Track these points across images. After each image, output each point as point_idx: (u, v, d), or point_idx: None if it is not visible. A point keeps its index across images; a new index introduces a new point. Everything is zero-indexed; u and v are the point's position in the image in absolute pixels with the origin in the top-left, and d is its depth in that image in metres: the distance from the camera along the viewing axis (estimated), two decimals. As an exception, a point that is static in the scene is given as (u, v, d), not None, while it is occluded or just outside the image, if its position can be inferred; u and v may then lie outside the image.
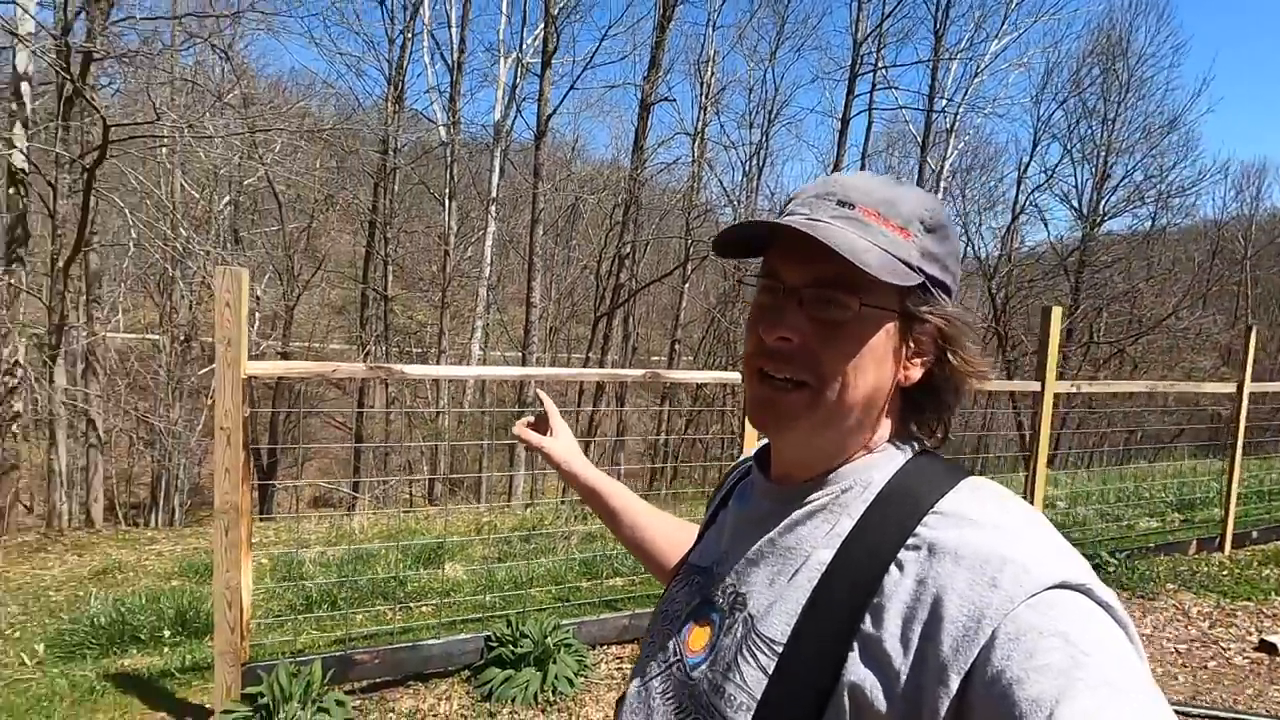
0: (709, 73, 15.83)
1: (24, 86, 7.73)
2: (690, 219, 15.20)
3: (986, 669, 0.45)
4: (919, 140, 16.89)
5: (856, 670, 0.51)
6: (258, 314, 12.42)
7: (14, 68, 7.77)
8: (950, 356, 0.61)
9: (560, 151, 18.71)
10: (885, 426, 0.62)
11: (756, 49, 17.33)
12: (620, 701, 0.71)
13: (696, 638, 0.64)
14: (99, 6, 8.35)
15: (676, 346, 16.68)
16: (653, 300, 21.80)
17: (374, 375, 2.83)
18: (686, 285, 16.47)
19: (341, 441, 16.93)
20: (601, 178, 18.10)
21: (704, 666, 0.61)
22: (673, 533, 0.97)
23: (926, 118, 16.55)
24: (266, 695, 2.45)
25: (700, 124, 15.89)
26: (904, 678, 0.49)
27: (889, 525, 0.55)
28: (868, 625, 0.52)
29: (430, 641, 3.01)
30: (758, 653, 0.57)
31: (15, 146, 7.62)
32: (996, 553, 0.49)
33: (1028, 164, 17.14)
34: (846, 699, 0.51)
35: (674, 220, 17.23)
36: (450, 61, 13.90)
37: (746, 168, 18.72)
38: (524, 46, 14.16)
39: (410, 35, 13.93)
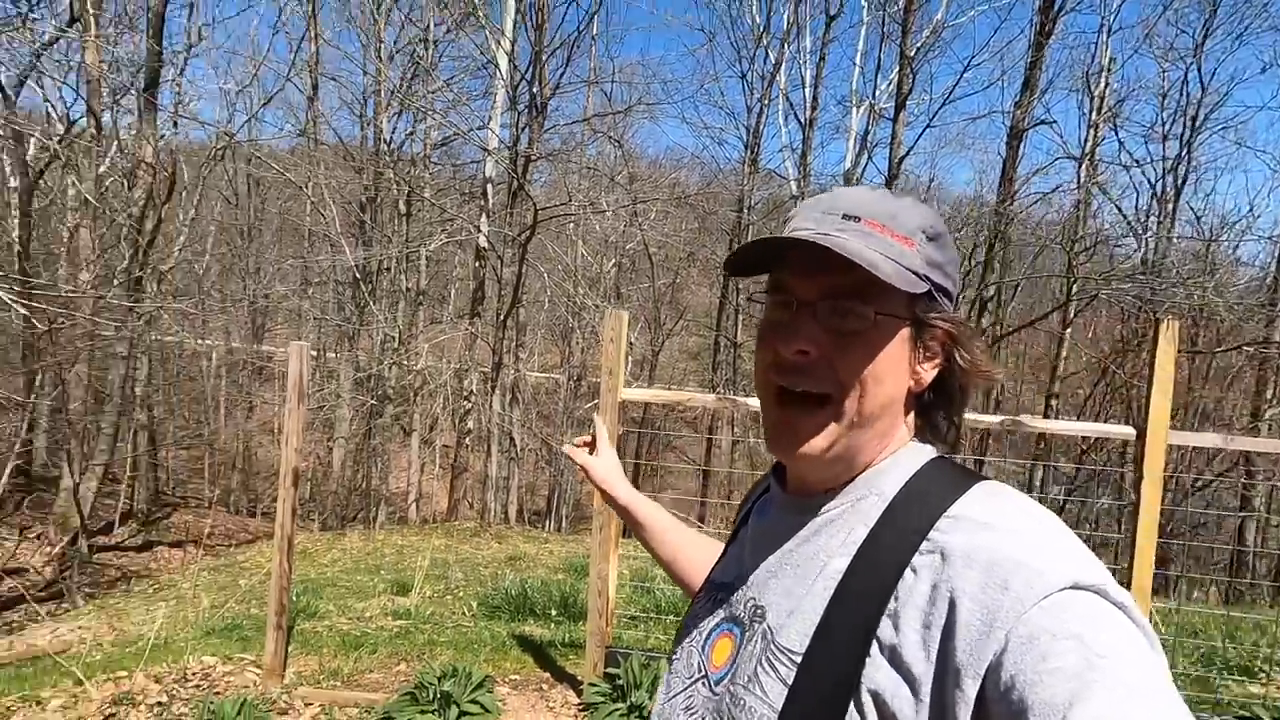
0: (1102, 84, 13.55)
1: (488, 187, 10.50)
2: (1073, 254, 13.01)
3: (1000, 673, 0.45)
4: None
5: (876, 677, 0.51)
6: (630, 357, 14.47)
7: (483, 174, 10.61)
8: (958, 359, 0.62)
9: (914, 192, 17.90)
10: (900, 431, 0.63)
11: (1174, 45, 14.25)
12: None
13: (719, 652, 0.65)
14: (537, 121, 10.91)
15: (1053, 402, 14.22)
16: (1024, 350, 19.14)
17: (721, 405, 3.11)
18: (1069, 331, 14.04)
19: (689, 478, 18.47)
20: (959, 216, 16.72)
21: (726, 680, 0.62)
22: (706, 554, 0.97)
23: None
24: (623, 678, 2.83)
25: (1090, 144, 13.63)
26: (926, 684, 0.49)
27: (902, 531, 0.55)
28: (886, 631, 0.51)
29: (762, 668, 3.11)
30: (777, 664, 0.57)
31: (481, 231, 10.36)
32: (1008, 555, 0.49)
33: None
34: (870, 706, 0.50)
35: (1052, 257, 14.94)
36: (803, 119, 14.52)
37: (1158, 188, 15.38)
38: (876, 93, 14.09)
39: (767, 101, 15.00)
